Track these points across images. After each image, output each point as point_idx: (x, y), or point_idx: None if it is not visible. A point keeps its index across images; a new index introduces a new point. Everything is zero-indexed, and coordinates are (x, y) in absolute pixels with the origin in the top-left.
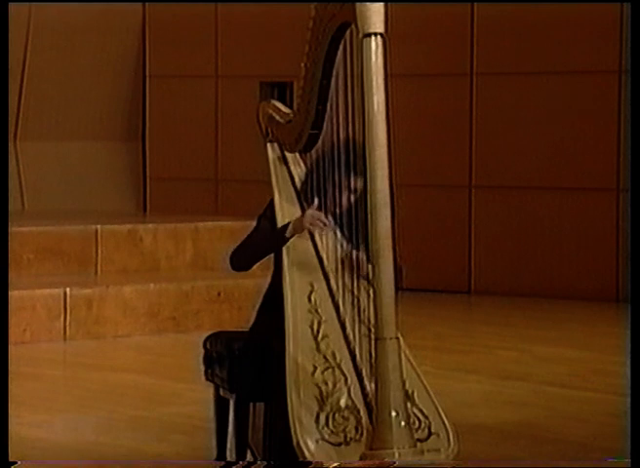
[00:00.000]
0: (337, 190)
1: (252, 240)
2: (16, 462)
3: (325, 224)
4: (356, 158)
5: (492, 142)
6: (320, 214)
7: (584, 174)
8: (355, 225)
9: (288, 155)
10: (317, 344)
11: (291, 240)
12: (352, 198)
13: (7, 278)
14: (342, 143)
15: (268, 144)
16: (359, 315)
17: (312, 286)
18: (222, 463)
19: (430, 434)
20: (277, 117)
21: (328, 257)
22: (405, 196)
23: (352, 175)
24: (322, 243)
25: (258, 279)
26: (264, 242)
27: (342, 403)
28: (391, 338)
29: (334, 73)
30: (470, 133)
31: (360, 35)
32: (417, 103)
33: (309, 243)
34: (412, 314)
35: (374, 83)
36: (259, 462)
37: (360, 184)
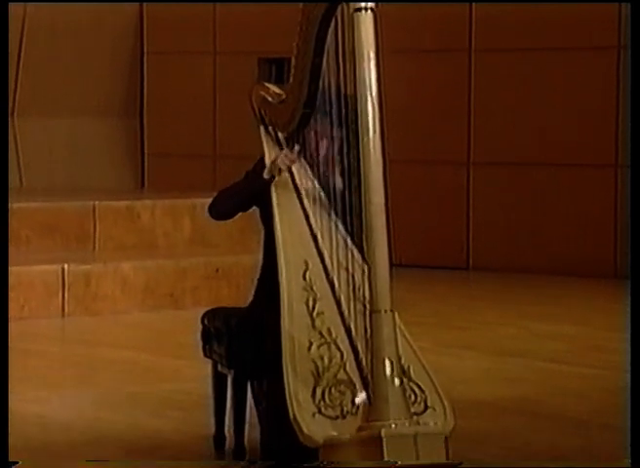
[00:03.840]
0: (318, 139)
1: (234, 186)
2: (16, 462)
3: (293, 161)
4: (338, 107)
5: (491, 118)
6: (291, 154)
7: (584, 150)
8: (347, 176)
9: (282, 137)
10: (313, 321)
11: (284, 214)
12: (334, 147)
13: (7, 258)
14: (327, 92)
15: (261, 128)
16: (354, 292)
17: (307, 264)
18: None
19: (427, 408)
20: (269, 98)
21: (322, 234)
22: (402, 172)
23: (335, 124)
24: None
25: (256, 255)
26: (244, 185)
27: (339, 377)
28: (386, 311)
29: (325, 51)
30: (469, 108)
31: (350, 10)
32: (414, 79)
33: (303, 218)
34: (409, 291)
35: (365, 58)
36: (259, 462)
37: (342, 134)
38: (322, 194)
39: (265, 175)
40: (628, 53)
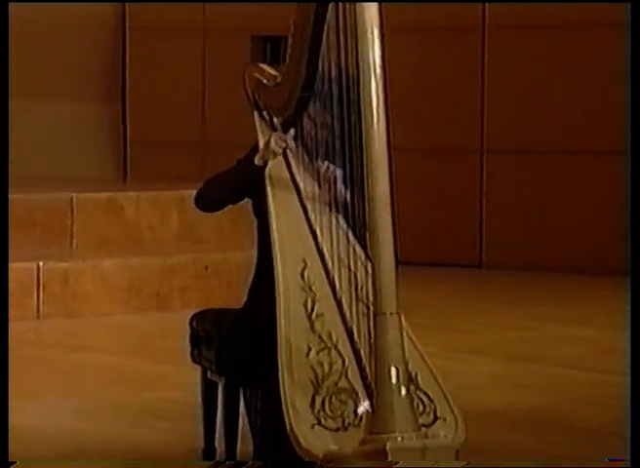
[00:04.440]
0: (314, 125)
1: (222, 175)
2: (15, 462)
3: (287, 145)
4: (339, 90)
5: (507, 101)
6: (284, 135)
7: (610, 137)
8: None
9: (278, 123)
10: (312, 324)
11: (279, 207)
12: (334, 134)
13: (6, 259)
14: (326, 75)
15: (255, 113)
16: (357, 292)
17: (305, 262)
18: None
19: (436, 419)
20: (264, 80)
21: (322, 230)
22: (409, 161)
23: (329, 108)
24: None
25: (249, 251)
26: (234, 172)
27: (340, 385)
28: (391, 313)
29: (325, 28)
30: (482, 91)
31: None
32: (422, 59)
33: (300, 212)
34: (416, 290)
35: (368, 35)
36: (251, 462)
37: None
38: (322, 186)
39: (257, 161)
40: None
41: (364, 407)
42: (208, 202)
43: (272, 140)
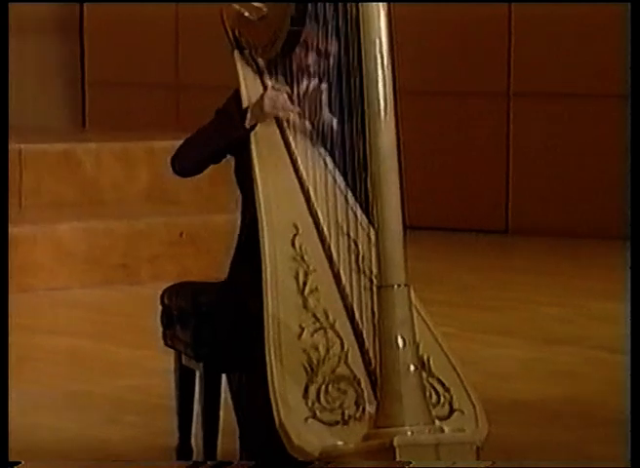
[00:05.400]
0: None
1: (203, 133)
2: (18, 462)
3: (286, 107)
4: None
5: (536, 38)
6: (281, 94)
7: None
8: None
9: (263, 64)
10: (304, 300)
11: (266, 165)
12: (324, 64)
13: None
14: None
15: (236, 52)
16: (357, 263)
17: (296, 227)
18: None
19: (452, 411)
20: (246, 13)
21: (316, 190)
22: (426, 106)
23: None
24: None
25: (231, 215)
26: (219, 133)
27: (338, 372)
28: (399, 286)
29: None
30: (509, 26)
31: None
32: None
33: (290, 169)
34: (431, 260)
35: None
36: (236, 462)
37: (333, 49)
38: (315, 137)
39: (248, 124)
40: None
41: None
42: (186, 166)
43: (266, 102)
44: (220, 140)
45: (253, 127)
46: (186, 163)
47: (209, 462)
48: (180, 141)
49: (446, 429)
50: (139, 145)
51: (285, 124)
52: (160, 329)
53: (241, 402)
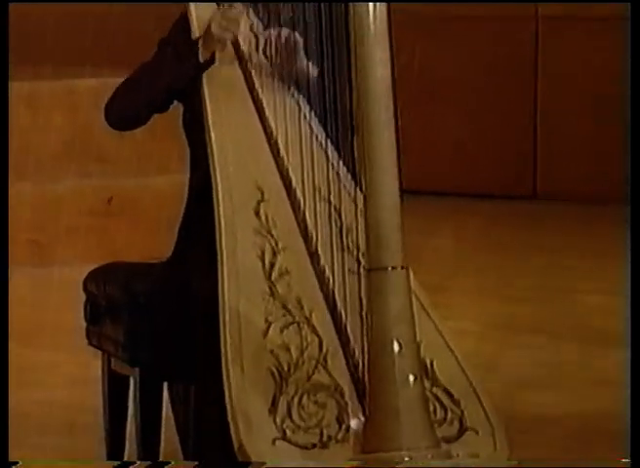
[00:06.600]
0: None
1: (144, 72)
2: (16, 462)
3: (238, 27)
4: None
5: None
6: (231, 11)
7: None
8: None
9: None
10: (271, 286)
11: (223, 112)
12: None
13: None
14: None
15: None
16: (341, 238)
17: (261, 192)
18: None
19: (463, 430)
20: None
21: (287, 144)
22: (431, 28)
23: None
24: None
25: (177, 176)
26: (163, 71)
27: (315, 379)
28: (394, 268)
29: None
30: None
31: None
32: None
33: (255, 118)
34: (437, 235)
35: None
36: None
37: None
38: (288, 79)
39: (201, 59)
40: None
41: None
42: (124, 115)
43: (214, 25)
44: (164, 81)
45: (207, 63)
46: (125, 112)
47: (145, 462)
48: (115, 81)
49: (455, 453)
50: (53, 85)
51: (249, 64)
52: (83, 324)
53: (186, 418)
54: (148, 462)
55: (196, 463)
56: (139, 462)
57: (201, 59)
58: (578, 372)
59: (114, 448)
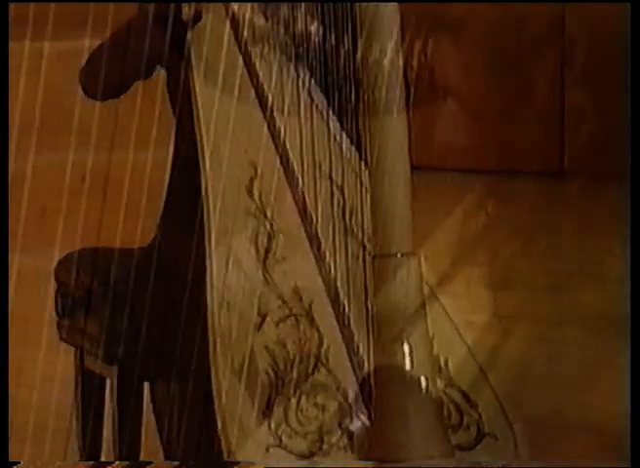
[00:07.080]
0: None
1: (124, 34)
2: (17, 462)
3: None
4: None
5: None
6: None
7: None
8: None
9: None
10: (266, 274)
11: (213, 79)
12: None
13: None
14: None
15: None
16: (344, 220)
17: (255, 167)
18: None
19: (481, 436)
20: None
21: (285, 113)
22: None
23: None
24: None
25: (159, 151)
26: (145, 32)
27: (315, 380)
28: (403, 254)
29: None
30: None
31: None
32: None
33: (247, 84)
34: (452, 215)
35: None
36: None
37: None
38: (285, 43)
39: (185, 16)
40: None
41: (359, 420)
42: (104, 84)
43: None
44: (147, 43)
45: (194, 20)
46: (108, 81)
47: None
48: (92, 44)
49: (471, 462)
50: (17, 46)
51: (242, 24)
52: (54, 317)
53: (170, 422)
54: (127, 462)
55: (177, 463)
56: (117, 462)
57: (184, 17)
58: (612, 372)
59: (90, 457)
